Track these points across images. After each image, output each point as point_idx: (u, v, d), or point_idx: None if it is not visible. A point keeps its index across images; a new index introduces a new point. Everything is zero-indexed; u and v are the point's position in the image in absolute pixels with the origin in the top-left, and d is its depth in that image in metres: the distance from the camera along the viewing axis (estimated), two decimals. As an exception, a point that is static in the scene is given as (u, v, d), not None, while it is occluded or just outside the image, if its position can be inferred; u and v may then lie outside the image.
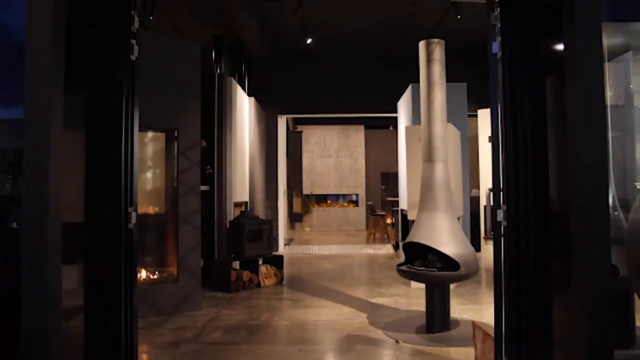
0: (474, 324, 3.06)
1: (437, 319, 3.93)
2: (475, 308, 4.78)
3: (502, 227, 2.27)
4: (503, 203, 2.26)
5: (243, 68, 8.44)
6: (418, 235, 3.92)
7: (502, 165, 2.27)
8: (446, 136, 4.06)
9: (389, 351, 3.58)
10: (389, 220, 12.75)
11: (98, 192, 2.40)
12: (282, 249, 9.47)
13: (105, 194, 2.38)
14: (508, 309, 2.29)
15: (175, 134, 4.77)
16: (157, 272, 4.86)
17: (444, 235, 3.84)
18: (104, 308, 2.40)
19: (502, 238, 2.31)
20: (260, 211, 8.45)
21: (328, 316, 4.58)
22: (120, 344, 2.41)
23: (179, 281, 4.73)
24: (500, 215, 2.27)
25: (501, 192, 2.28)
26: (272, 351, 3.61)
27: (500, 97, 2.32)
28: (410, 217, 6.06)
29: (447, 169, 4.04)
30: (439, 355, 3.42)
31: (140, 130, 4.96)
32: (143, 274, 4.81)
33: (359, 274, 7.01)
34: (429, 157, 4.02)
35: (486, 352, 2.82)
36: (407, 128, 6.32)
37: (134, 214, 2.38)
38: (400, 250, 8.32)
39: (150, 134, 5.03)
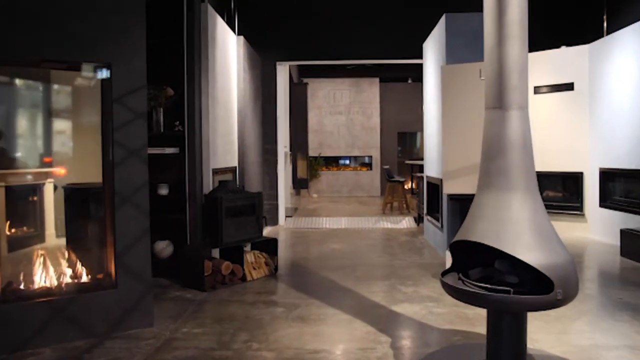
0: None
1: (506, 364, 2.43)
2: (555, 329, 3.28)
3: None
4: None
5: (232, 1, 6.78)
6: (479, 231, 2.38)
7: None
8: (528, 67, 2.46)
9: None
10: (407, 187, 11.22)
11: None
12: (282, 223, 8.02)
13: None
14: None
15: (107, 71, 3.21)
16: (88, 274, 3.40)
17: (525, 231, 2.30)
18: None
19: None
20: (254, 178, 6.94)
21: (333, 340, 3.11)
22: None
23: (117, 287, 3.27)
24: None
25: None
26: None
27: None
28: (448, 190, 4.51)
29: (529, 121, 2.46)
30: None
31: (48, 66, 3.36)
32: (67, 277, 3.35)
33: (375, 260, 5.53)
34: (498, 102, 2.44)
35: None
36: (444, 68, 4.69)
37: None
38: (426, 226, 6.79)
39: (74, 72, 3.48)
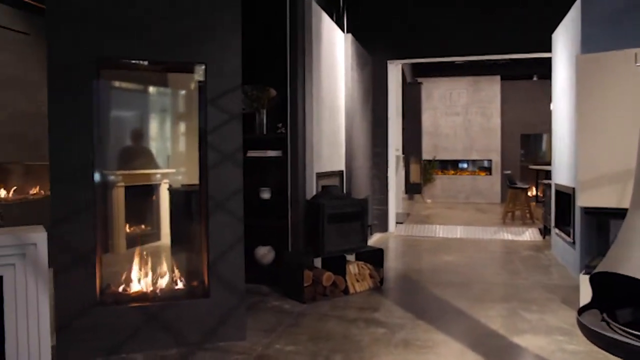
0: None
1: None
2: None
3: None
4: None
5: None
6: (634, 262, 1.83)
7: None
8: None
9: None
10: (531, 194, 10.24)
11: None
12: (392, 229, 7.62)
13: None
14: None
15: (202, 72, 3.09)
16: (183, 281, 3.32)
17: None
18: None
19: None
20: (362, 183, 6.65)
21: (440, 375, 2.69)
22: None
23: (210, 296, 3.13)
24: None
25: None
26: None
27: None
28: (583, 202, 3.84)
29: None
30: None
31: (142, 68, 3.12)
32: (163, 282, 3.29)
33: (494, 277, 4.94)
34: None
35: None
36: (580, 58, 4.01)
37: None
38: (554, 240, 5.92)
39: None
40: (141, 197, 4.18)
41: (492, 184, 12.35)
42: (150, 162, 4.04)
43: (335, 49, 5.56)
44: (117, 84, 3.51)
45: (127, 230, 3.98)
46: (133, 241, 3.91)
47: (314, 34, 4.75)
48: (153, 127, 4.22)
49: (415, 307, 3.89)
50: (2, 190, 5.23)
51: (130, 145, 3.94)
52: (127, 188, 3.93)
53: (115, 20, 2.92)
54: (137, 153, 3.99)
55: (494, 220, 8.97)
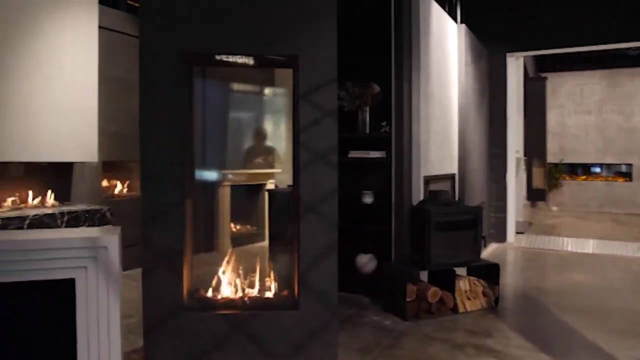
0: None
1: None
2: None
3: None
4: None
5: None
6: None
7: None
8: None
9: None
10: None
11: None
12: (511, 240, 6.90)
13: None
14: None
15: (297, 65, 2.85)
16: (272, 289, 3.10)
17: None
18: None
19: None
20: (477, 188, 6.07)
21: None
22: None
23: (299, 308, 2.88)
24: None
25: None
26: None
27: None
28: None
29: None
30: None
31: (229, 62, 2.92)
32: (254, 290, 3.10)
33: (637, 304, 4.15)
34: None
35: None
36: None
37: None
38: None
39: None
40: (249, 197, 4.10)
41: (633, 191, 10.86)
42: (268, 161, 3.94)
43: (446, 40, 5.09)
44: (213, 81, 3.41)
45: (234, 229, 3.93)
46: (239, 241, 3.86)
47: (422, 25, 4.34)
48: (259, 125, 4.11)
49: (537, 336, 3.32)
50: (119, 185, 5.52)
51: (253, 144, 3.88)
52: (234, 187, 3.87)
53: (204, 14, 2.78)
54: (257, 152, 3.91)
55: (636, 234, 7.80)
